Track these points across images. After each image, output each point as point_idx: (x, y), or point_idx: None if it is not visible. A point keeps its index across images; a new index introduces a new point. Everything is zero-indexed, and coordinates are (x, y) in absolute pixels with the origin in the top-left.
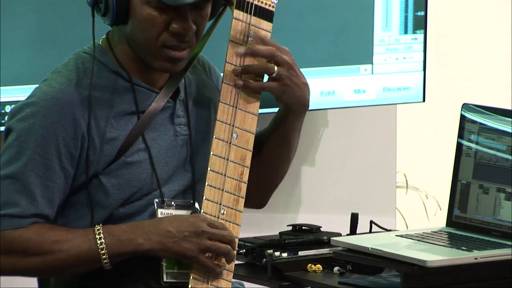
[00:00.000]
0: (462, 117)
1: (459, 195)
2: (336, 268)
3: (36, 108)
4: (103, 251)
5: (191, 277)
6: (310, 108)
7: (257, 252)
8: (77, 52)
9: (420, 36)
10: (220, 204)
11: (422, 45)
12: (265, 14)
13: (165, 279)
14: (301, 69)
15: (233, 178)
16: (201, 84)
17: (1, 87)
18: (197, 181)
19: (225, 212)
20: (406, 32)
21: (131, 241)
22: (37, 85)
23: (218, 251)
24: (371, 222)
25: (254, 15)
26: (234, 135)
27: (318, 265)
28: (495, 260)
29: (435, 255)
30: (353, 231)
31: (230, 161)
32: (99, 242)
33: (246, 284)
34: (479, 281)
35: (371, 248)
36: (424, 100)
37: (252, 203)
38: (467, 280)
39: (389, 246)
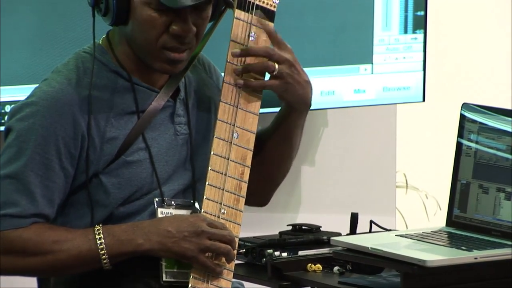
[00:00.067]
0: (462, 117)
1: (459, 194)
2: (336, 268)
3: (36, 108)
4: (103, 251)
5: (191, 277)
6: (310, 108)
7: (257, 251)
8: (77, 52)
9: (420, 36)
10: (221, 203)
11: (422, 44)
12: (266, 13)
13: (164, 279)
14: None
15: (234, 178)
16: (201, 83)
17: (1, 87)
18: (197, 180)
19: (225, 212)
20: (406, 32)
21: (131, 241)
22: (37, 85)
23: (218, 251)
24: (371, 222)
25: (256, 14)
26: (235, 135)
27: (318, 265)
28: (495, 260)
29: (435, 255)
30: (353, 231)
31: (230, 160)
32: (99, 242)
33: (246, 284)
34: (479, 281)
35: (371, 248)
36: (424, 100)
37: (255, 201)
38: (467, 280)
39: (389, 246)
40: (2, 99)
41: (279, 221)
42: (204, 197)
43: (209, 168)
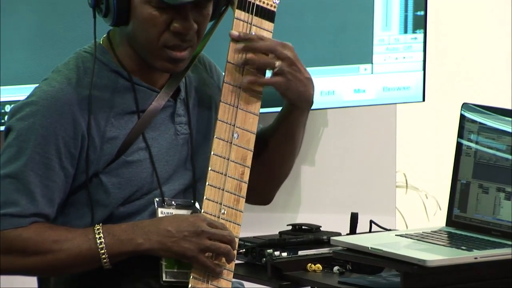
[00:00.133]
0: (462, 117)
1: (459, 194)
2: (336, 268)
3: (36, 108)
4: (103, 251)
5: (191, 277)
6: None
7: (257, 251)
8: (78, 52)
9: (420, 35)
10: (221, 203)
11: (422, 44)
12: (266, 14)
13: (164, 278)
14: None
15: (234, 178)
16: (202, 83)
17: (1, 87)
18: (198, 180)
19: (225, 212)
20: (406, 31)
21: (130, 241)
22: (38, 85)
23: (217, 251)
24: (371, 221)
25: (256, 15)
26: (235, 135)
27: (318, 265)
28: (495, 259)
29: (435, 255)
30: (353, 230)
31: (230, 161)
32: (98, 241)
33: (246, 283)
34: (479, 281)
35: (371, 247)
36: (424, 100)
37: (258, 199)
38: (467, 279)
39: (389, 246)
40: (2, 99)
41: (279, 221)
42: (204, 197)
43: (209, 169)
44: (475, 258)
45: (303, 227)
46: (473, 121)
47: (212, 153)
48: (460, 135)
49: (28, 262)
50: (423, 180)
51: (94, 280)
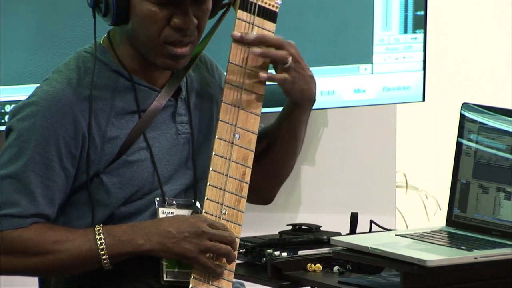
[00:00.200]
0: (462, 117)
1: (459, 194)
2: (336, 268)
3: (36, 108)
4: (103, 252)
5: (192, 277)
6: None
7: (257, 251)
8: (78, 51)
9: (420, 35)
10: (222, 204)
11: (422, 44)
12: (268, 14)
13: (165, 278)
14: None
15: (235, 178)
16: (203, 82)
17: (1, 87)
18: (199, 179)
19: (226, 212)
20: (406, 31)
21: (131, 242)
22: (38, 85)
23: (218, 252)
24: (371, 221)
25: (258, 15)
26: (237, 135)
27: (318, 265)
28: (495, 259)
29: (435, 255)
30: (353, 230)
31: (232, 161)
32: (99, 242)
33: (246, 283)
34: (479, 281)
35: (371, 247)
36: (424, 100)
37: (259, 199)
38: (467, 279)
39: (389, 246)
40: (2, 99)
41: (279, 221)
42: (205, 197)
43: (211, 169)
44: (475, 258)
45: (303, 227)
46: (473, 121)
47: (213, 153)
48: (460, 135)
49: (29, 262)
50: (423, 180)
51: (95, 280)
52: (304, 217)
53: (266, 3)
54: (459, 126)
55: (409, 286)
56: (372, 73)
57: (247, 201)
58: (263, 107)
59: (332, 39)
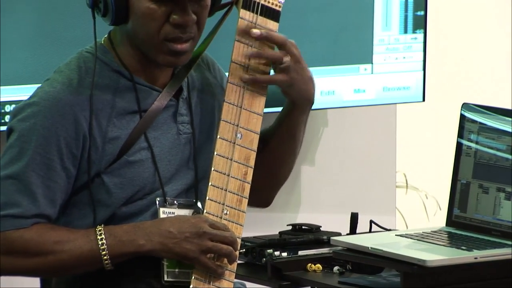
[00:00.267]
0: (462, 117)
1: (459, 194)
2: (336, 268)
3: (37, 108)
4: (104, 252)
5: (193, 277)
6: None
7: (257, 251)
8: (80, 52)
9: (420, 35)
10: (223, 204)
11: (422, 44)
12: (271, 14)
13: (166, 279)
14: None
15: (237, 179)
16: (205, 82)
17: (1, 87)
18: (200, 179)
19: (228, 213)
20: (406, 31)
21: (132, 242)
22: (39, 85)
23: (219, 252)
24: (371, 221)
25: (261, 14)
26: (239, 135)
27: (318, 265)
28: (495, 259)
29: (435, 255)
30: (353, 230)
31: (234, 161)
32: (100, 243)
33: (246, 283)
34: (479, 281)
35: (371, 247)
36: (424, 100)
37: (257, 201)
38: (467, 280)
39: (389, 246)
40: (2, 99)
41: (279, 221)
42: (207, 197)
43: (212, 169)
44: (475, 258)
45: (303, 227)
46: (473, 121)
47: (215, 153)
48: (460, 135)
49: (30, 263)
50: (423, 180)
51: (96, 280)
52: (304, 217)
53: (269, 2)
54: (459, 126)
55: (409, 286)
56: (372, 73)
57: None
58: (265, 106)
59: (332, 39)
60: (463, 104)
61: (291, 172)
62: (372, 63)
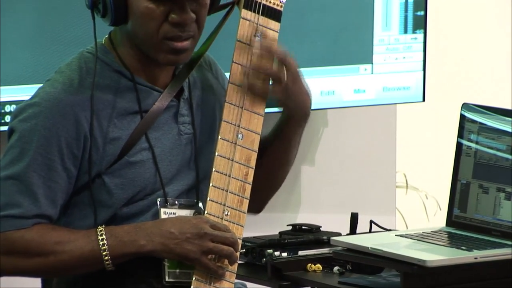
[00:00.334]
0: (462, 117)
1: (459, 194)
2: (336, 268)
3: (38, 109)
4: (105, 252)
5: (193, 278)
6: None
7: (257, 251)
8: (81, 52)
9: (420, 35)
10: (224, 205)
11: (422, 44)
12: (273, 13)
13: (167, 279)
14: (301, 69)
15: (238, 179)
16: (206, 83)
17: (1, 87)
18: (201, 180)
19: (229, 213)
20: (406, 31)
21: (133, 243)
22: (39, 85)
23: (220, 253)
24: (371, 222)
25: (262, 14)
26: (240, 136)
27: (318, 265)
28: (495, 260)
29: (435, 255)
30: (353, 230)
31: (235, 161)
32: (101, 243)
33: (246, 284)
34: (479, 281)
35: (371, 247)
36: (424, 100)
37: (249, 208)
38: (467, 280)
39: (389, 246)
40: (2, 99)
41: (279, 221)
42: (208, 198)
43: (213, 170)
44: (475, 258)
45: (303, 227)
46: (473, 121)
47: (216, 154)
48: (460, 135)
49: (31, 263)
50: (423, 180)
51: (97, 281)
52: (304, 217)
53: (270, 2)
54: (459, 126)
55: (409, 286)
56: (372, 73)
57: None
58: (267, 106)
59: (332, 39)
60: (463, 104)
61: (289, 173)
62: (372, 63)
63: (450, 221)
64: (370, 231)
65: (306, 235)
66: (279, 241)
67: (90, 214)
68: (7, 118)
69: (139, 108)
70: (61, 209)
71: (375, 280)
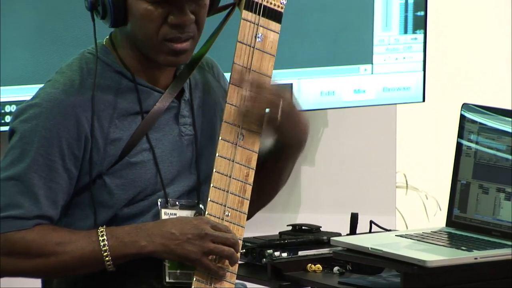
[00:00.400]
0: (462, 117)
1: (459, 195)
2: (336, 268)
3: (39, 110)
4: (106, 253)
5: (194, 279)
6: (310, 108)
7: (257, 252)
8: (82, 52)
9: (420, 36)
10: (225, 205)
11: (422, 45)
12: (273, 15)
13: (167, 280)
14: (301, 69)
15: (238, 180)
16: (207, 85)
17: (1, 87)
18: (202, 182)
19: (229, 214)
20: (406, 32)
21: (134, 243)
22: (39, 85)
23: (221, 254)
24: (371, 222)
25: (263, 16)
26: (240, 137)
27: (318, 265)
28: (495, 260)
29: (435, 255)
30: (353, 231)
31: (235, 162)
32: (102, 244)
33: (246, 284)
34: (479, 281)
35: (371, 248)
36: (424, 100)
37: None
38: (467, 280)
39: (389, 246)
40: (2, 100)
41: (279, 221)
42: (209, 199)
43: (214, 170)
44: (475, 258)
45: (303, 227)
46: (473, 121)
47: (217, 154)
48: (460, 135)
49: (31, 264)
50: (423, 180)
51: (97, 281)
52: (304, 218)
53: (271, 3)
54: (459, 127)
55: (409, 286)
56: (372, 73)
57: None
58: None
59: (332, 39)
60: (463, 104)
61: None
62: (372, 64)
63: (450, 221)
64: (370, 231)
65: (306, 235)
66: (279, 241)
67: (91, 214)
68: (7, 119)
69: (140, 108)
70: (62, 209)
71: (375, 281)
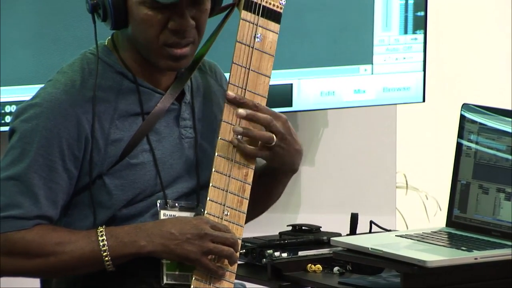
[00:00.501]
0: (462, 117)
1: (459, 195)
2: (336, 268)
3: (40, 110)
4: (106, 253)
5: (193, 278)
6: (310, 108)
7: (257, 252)
8: (83, 53)
9: (420, 36)
10: (224, 205)
11: (422, 45)
12: (273, 15)
13: (165, 281)
14: (301, 69)
15: (238, 179)
16: (208, 88)
17: (1, 87)
18: (202, 185)
19: (228, 213)
20: (406, 32)
21: (133, 243)
22: (39, 85)
23: (220, 254)
24: (371, 222)
25: (262, 16)
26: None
27: (318, 265)
28: (495, 260)
29: (435, 255)
30: (353, 231)
31: (235, 162)
32: (101, 244)
33: (246, 284)
34: (479, 281)
35: (371, 248)
36: (424, 100)
37: None
38: (467, 280)
39: (389, 246)
40: (2, 100)
41: (279, 221)
42: (208, 198)
43: (213, 170)
44: (475, 258)
45: (303, 227)
46: (473, 122)
47: (216, 154)
48: (460, 135)
49: (31, 264)
50: (423, 180)
51: (97, 281)
52: (304, 218)
53: (270, 3)
54: (459, 127)
55: (409, 286)
56: (372, 73)
57: None
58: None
59: (332, 39)
60: (463, 104)
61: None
62: (372, 64)
63: (450, 222)
64: (370, 232)
65: (306, 235)
66: (279, 242)
67: (90, 215)
68: (8, 119)
69: (141, 110)
70: (61, 210)
71: (375, 281)
